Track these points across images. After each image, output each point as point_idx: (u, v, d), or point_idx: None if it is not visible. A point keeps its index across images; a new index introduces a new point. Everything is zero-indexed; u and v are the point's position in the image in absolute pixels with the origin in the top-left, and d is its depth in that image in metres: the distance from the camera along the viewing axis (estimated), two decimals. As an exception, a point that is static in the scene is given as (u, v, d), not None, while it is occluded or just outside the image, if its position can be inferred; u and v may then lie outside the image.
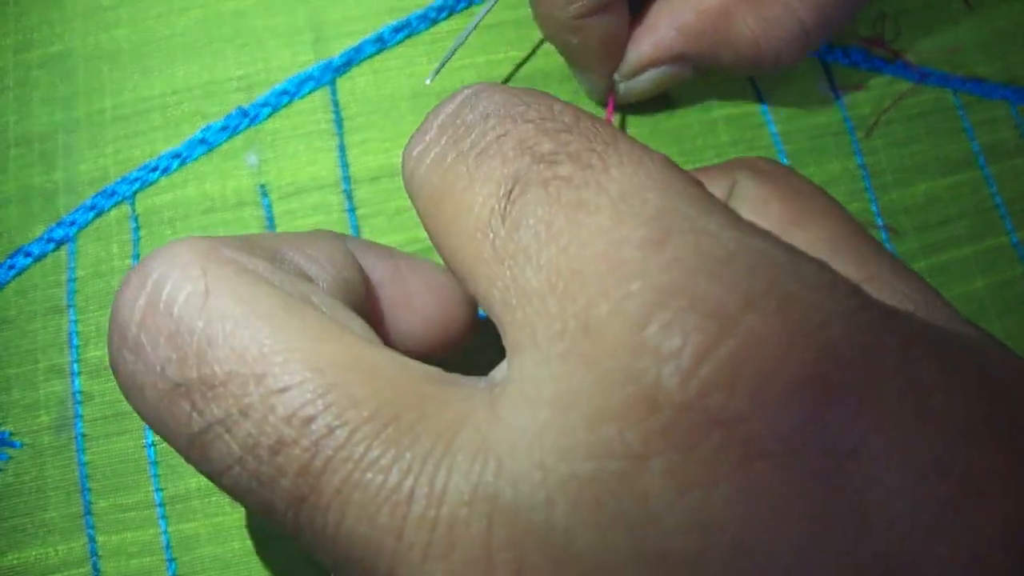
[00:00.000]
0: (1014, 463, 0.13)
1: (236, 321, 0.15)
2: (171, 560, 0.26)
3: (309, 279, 0.18)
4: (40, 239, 0.29)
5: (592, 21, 0.27)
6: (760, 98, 0.32)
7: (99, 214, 0.29)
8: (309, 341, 0.15)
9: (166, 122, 0.30)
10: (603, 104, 0.31)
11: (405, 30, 0.31)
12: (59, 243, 0.29)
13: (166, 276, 0.15)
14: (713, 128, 0.31)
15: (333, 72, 0.30)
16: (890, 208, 0.32)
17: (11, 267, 0.28)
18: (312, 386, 0.14)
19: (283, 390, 0.14)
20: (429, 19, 0.31)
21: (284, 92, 0.30)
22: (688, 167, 0.31)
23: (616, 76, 0.30)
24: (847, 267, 0.19)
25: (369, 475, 0.14)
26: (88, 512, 0.26)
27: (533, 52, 0.31)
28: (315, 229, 0.21)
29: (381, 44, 0.31)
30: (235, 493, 0.15)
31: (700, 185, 0.15)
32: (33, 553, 0.26)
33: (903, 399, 0.13)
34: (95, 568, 0.26)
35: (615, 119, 0.31)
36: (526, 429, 0.13)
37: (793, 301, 0.13)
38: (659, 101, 0.31)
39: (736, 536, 0.12)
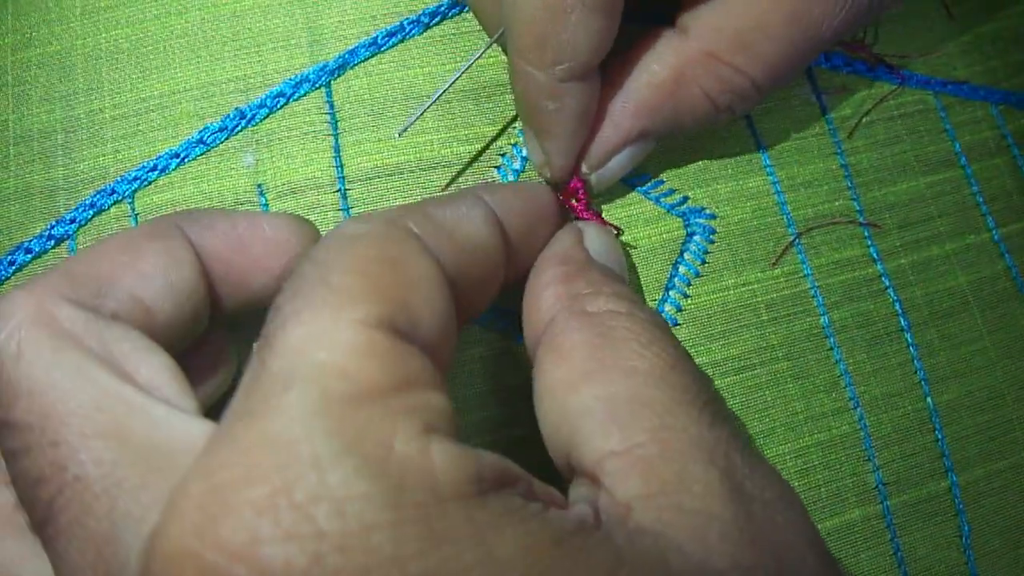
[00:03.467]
0: None
1: (33, 383, 0.19)
2: None
3: (122, 317, 0.22)
4: (40, 236, 0.29)
5: (573, 87, 0.27)
6: (745, 99, 0.33)
7: (99, 212, 0.29)
8: (84, 409, 0.19)
9: (165, 122, 0.30)
10: (549, 179, 0.29)
11: (399, 34, 0.32)
12: (59, 240, 0.29)
13: None
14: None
15: (328, 75, 0.31)
16: (873, 206, 0.32)
17: (12, 263, 0.29)
18: (73, 444, 0.19)
19: (54, 444, 0.19)
20: (422, 24, 0.32)
21: (280, 94, 0.31)
22: (667, 172, 0.32)
23: (585, 168, 0.29)
24: (608, 432, 0.20)
25: (92, 521, 0.18)
26: None
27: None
28: (163, 227, 0.24)
29: (375, 48, 0.31)
30: (19, 500, 0.20)
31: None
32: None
33: None
34: None
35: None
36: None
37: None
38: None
39: None
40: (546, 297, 0.24)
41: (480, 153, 0.31)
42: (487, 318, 0.29)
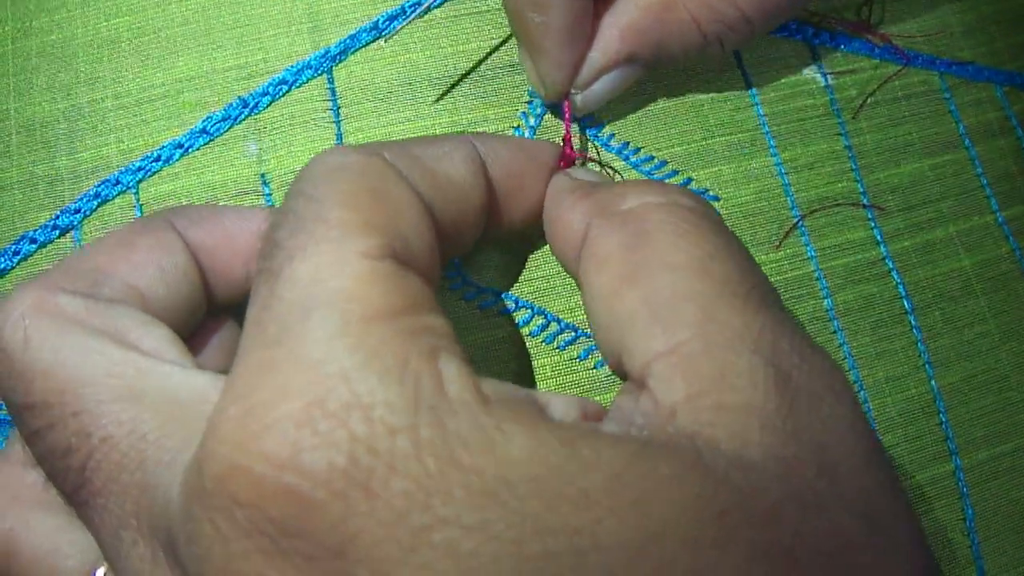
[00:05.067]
0: None
1: (44, 364, 0.21)
2: None
3: (119, 300, 0.23)
4: (45, 226, 0.29)
5: None
6: (747, 80, 0.33)
7: (104, 202, 0.29)
8: (97, 377, 0.21)
9: (167, 111, 0.30)
10: (550, 104, 0.30)
11: (399, 18, 0.31)
12: (64, 230, 0.29)
13: (1, 326, 0.22)
14: (700, 110, 0.32)
15: (330, 61, 0.31)
16: (876, 188, 0.32)
17: (16, 253, 0.29)
18: (92, 411, 0.20)
19: (75, 415, 0.20)
20: (422, 6, 0.32)
21: (283, 82, 0.30)
22: (676, 150, 0.31)
23: (571, 88, 0.29)
24: (652, 333, 0.20)
25: (125, 475, 0.20)
26: None
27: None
28: (153, 222, 0.25)
29: (376, 32, 0.31)
30: (48, 476, 0.22)
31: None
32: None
33: None
34: None
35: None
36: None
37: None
38: (645, 83, 0.32)
39: None
40: (575, 214, 0.25)
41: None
42: (489, 303, 0.30)
